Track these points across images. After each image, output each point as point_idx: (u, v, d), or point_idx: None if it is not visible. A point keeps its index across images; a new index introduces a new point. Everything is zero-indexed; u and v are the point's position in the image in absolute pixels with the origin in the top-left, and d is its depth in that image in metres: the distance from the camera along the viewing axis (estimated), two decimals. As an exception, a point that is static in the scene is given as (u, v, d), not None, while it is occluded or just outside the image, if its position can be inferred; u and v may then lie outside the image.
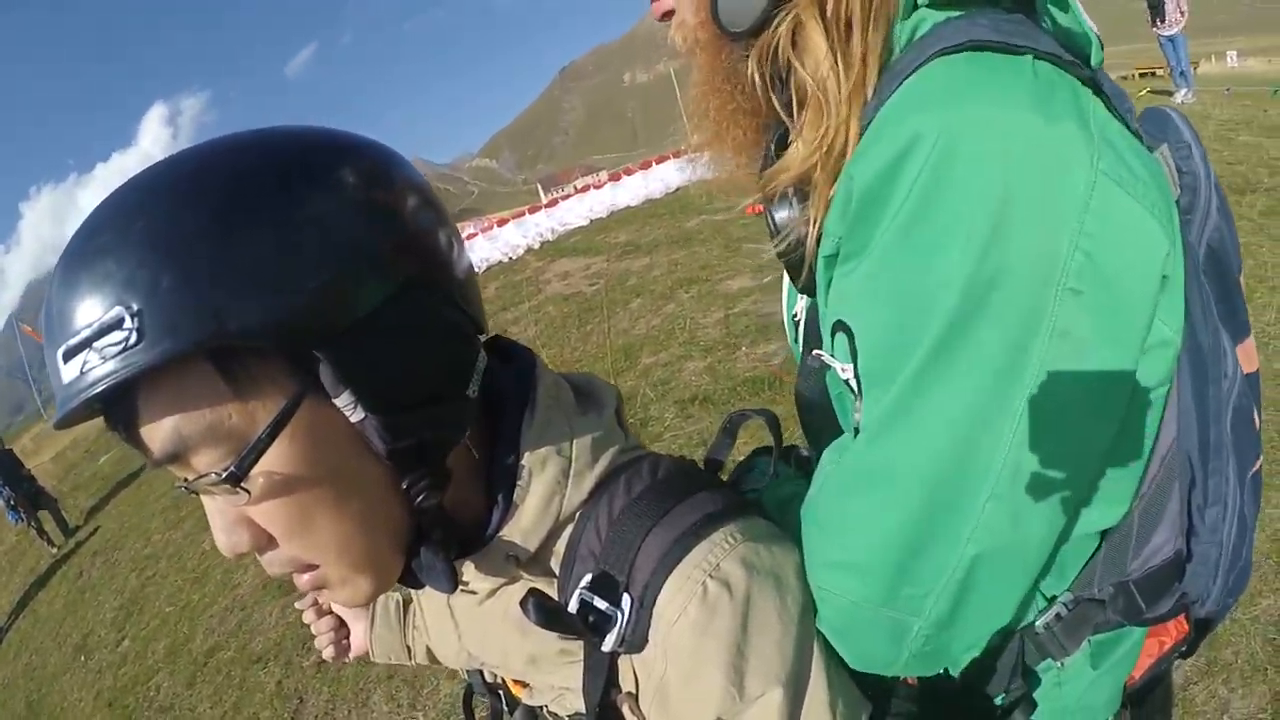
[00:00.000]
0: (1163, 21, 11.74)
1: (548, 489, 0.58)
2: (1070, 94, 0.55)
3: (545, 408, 0.61)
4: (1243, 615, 2.33)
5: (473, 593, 0.64)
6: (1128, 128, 0.58)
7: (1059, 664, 0.72)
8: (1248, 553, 0.78)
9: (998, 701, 0.73)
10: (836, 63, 0.60)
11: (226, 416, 0.46)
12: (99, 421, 0.49)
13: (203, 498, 0.51)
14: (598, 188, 14.25)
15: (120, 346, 0.43)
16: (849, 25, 0.60)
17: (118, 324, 0.43)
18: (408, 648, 1.00)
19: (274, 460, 0.48)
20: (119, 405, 0.47)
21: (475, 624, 0.69)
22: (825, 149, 0.60)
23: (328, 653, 1.05)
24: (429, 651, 1.03)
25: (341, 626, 1.07)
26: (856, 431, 0.61)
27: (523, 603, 0.54)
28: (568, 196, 15.10)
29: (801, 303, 0.80)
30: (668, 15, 0.75)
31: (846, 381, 0.60)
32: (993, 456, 0.55)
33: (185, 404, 0.46)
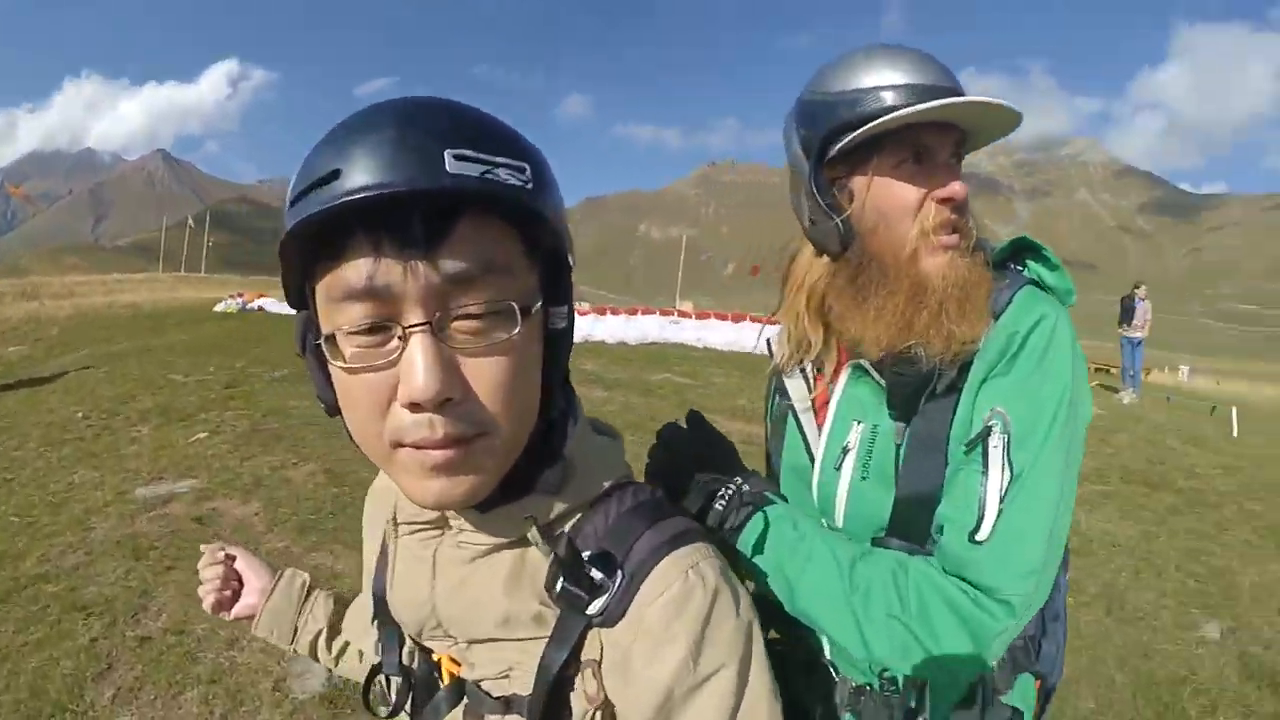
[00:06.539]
0: (1129, 325, 12.87)
1: (579, 476, 0.71)
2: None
3: (585, 420, 0.76)
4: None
5: (471, 546, 0.70)
6: None
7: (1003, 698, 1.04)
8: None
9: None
10: None
11: (521, 269, 0.60)
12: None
13: (418, 340, 0.54)
14: (580, 314, 14.37)
15: (521, 180, 0.56)
16: None
17: (520, 168, 0.56)
18: (295, 628, 1.04)
19: (527, 323, 0.59)
20: (449, 216, 0.54)
21: (457, 576, 0.72)
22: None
23: (207, 601, 1.06)
24: (312, 645, 1.06)
25: (234, 582, 1.08)
26: (978, 512, 0.94)
27: (555, 540, 0.65)
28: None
29: (857, 432, 1.07)
30: None
31: (995, 448, 0.94)
32: (1066, 490, 0.93)
33: (504, 243, 0.57)
